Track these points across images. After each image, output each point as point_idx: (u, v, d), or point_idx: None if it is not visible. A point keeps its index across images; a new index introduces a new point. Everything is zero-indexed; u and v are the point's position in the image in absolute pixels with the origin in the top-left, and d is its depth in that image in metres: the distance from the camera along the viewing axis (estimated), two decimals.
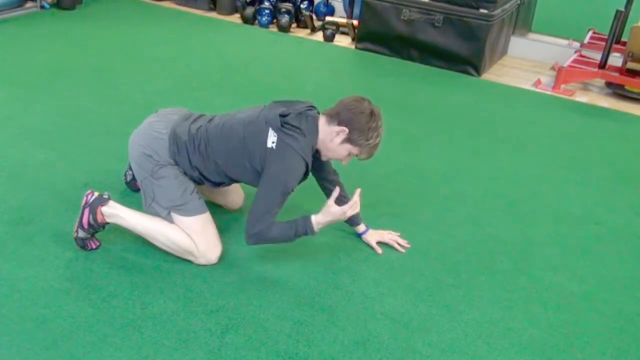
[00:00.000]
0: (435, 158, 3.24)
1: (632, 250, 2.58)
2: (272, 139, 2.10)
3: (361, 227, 2.47)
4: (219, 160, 2.20)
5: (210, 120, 2.29)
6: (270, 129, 2.12)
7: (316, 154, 2.25)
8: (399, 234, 2.49)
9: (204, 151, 2.20)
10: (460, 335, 2.04)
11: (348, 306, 2.11)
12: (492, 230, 2.63)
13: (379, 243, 2.44)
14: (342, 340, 1.96)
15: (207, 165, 2.21)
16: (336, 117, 2.14)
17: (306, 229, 2.14)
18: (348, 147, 2.17)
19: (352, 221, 2.46)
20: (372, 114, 2.14)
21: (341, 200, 2.26)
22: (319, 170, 2.39)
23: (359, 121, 2.12)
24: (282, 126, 2.10)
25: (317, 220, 2.15)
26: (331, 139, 2.16)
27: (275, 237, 2.14)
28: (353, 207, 2.17)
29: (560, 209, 2.84)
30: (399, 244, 2.45)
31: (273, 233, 2.13)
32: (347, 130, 2.13)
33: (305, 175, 2.19)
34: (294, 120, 2.12)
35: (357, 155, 2.22)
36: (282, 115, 2.12)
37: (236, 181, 2.33)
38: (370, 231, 2.47)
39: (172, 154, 2.22)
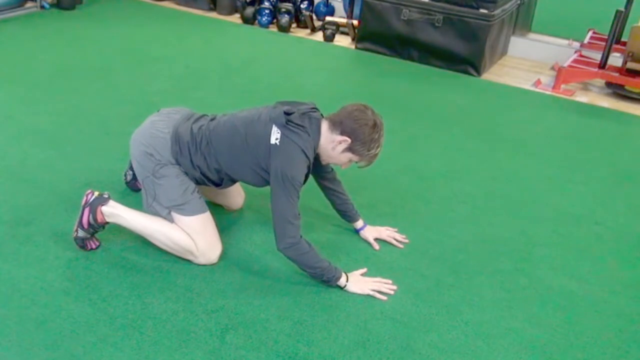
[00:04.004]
0: (435, 158, 3.24)
1: (632, 250, 2.58)
2: (275, 136, 2.11)
3: (359, 223, 2.48)
4: (221, 159, 2.20)
5: (212, 119, 2.29)
6: (274, 126, 2.12)
7: (316, 158, 2.25)
8: (396, 229, 2.50)
9: (205, 150, 2.20)
10: (460, 335, 2.04)
11: (348, 306, 2.11)
12: (492, 230, 2.63)
13: (377, 239, 2.45)
14: (342, 340, 1.96)
15: (209, 165, 2.21)
16: (339, 126, 2.14)
17: (335, 274, 2.15)
18: (349, 155, 2.18)
19: (351, 217, 2.47)
20: (375, 125, 2.13)
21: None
22: (318, 169, 2.39)
23: (362, 133, 2.12)
24: (286, 123, 2.11)
25: (348, 284, 2.18)
26: (333, 147, 2.17)
27: (307, 260, 2.12)
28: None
29: (560, 209, 2.84)
30: (396, 239, 2.45)
31: (305, 256, 2.12)
32: (349, 140, 2.13)
33: (306, 176, 2.19)
34: (298, 119, 2.12)
35: (357, 162, 2.24)
36: (287, 114, 2.12)
37: (237, 181, 2.33)
38: (368, 227, 2.48)
39: (174, 153, 2.21)
